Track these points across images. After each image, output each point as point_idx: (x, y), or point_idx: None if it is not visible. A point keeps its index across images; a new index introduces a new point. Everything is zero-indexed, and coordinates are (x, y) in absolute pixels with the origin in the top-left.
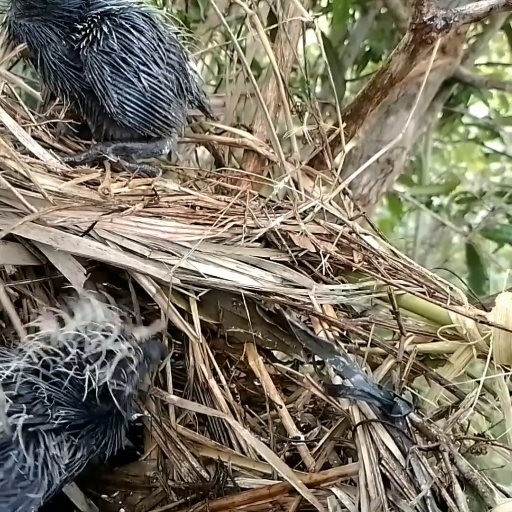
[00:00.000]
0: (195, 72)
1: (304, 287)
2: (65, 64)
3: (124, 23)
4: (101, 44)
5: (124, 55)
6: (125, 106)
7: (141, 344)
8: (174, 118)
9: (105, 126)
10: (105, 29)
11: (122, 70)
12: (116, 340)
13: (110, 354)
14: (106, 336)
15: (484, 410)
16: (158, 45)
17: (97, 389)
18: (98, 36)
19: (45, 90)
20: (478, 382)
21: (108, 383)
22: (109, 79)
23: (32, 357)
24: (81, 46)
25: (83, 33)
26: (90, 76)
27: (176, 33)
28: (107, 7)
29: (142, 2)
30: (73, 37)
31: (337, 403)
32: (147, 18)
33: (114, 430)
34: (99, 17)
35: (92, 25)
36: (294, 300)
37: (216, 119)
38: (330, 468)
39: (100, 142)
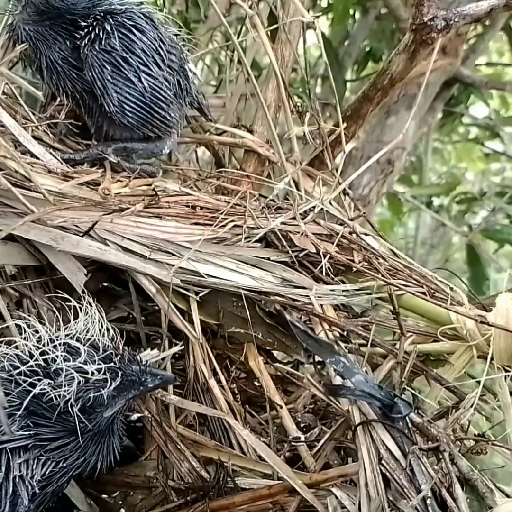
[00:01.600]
0: (194, 73)
1: (304, 287)
2: (68, 65)
3: (126, 22)
4: (103, 43)
5: (125, 55)
6: (125, 106)
7: (142, 368)
8: (173, 119)
9: (105, 127)
10: (108, 28)
11: (122, 69)
12: (83, 362)
13: (71, 375)
14: (72, 355)
15: (484, 411)
16: (160, 46)
17: (61, 405)
18: (101, 34)
19: (46, 90)
20: (479, 382)
21: (72, 402)
22: (109, 78)
23: (6, 367)
24: (83, 44)
25: (85, 30)
26: (90, 74)
27: (176, 35)
28: (112, 6)
29: (142, 4)
30: (77, 35)
31: (337, 403)
32: (148, 19)
33: (97, 447)
34: (102, 14)
35: (95, 23)
36: (294, 300)
37: (214, 120)
38: (330, 468)
39: (100, 142)
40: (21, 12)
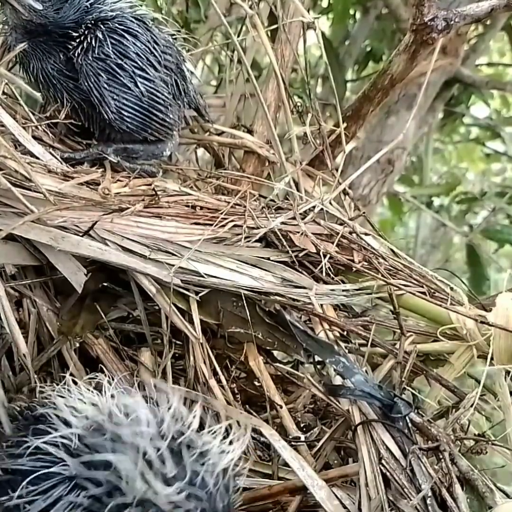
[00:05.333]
0: (192, 73)
1: (304, 287)
2: (64, 76)
3: (118, 28)
4: (96, 51)
5: (119, 61)
6: (123, 112)
7: None
8: (172, 121)
9: (107, 130)
10: (100, 35)
11: (118, 76)
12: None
13: None
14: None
15: (484, 410)
16: (154, 48)
17: None
18: (93, 43)
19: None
20: (479, 382)
21: None
22: (105, 86)
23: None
24: (76, 54)
25: (77, 40)
26: (86, 84)
27: (172, 35)
28: (102, 14)
29: (135, 6)
30: (69, 46)
31: (337, 403)
32: (140, 22)
33: None
34: (93, 22)
35: (86, 32)
36: (294, 300)
37: (211, 121)
38: (330, 468)
39: (101, 142)
40: (11, 34)
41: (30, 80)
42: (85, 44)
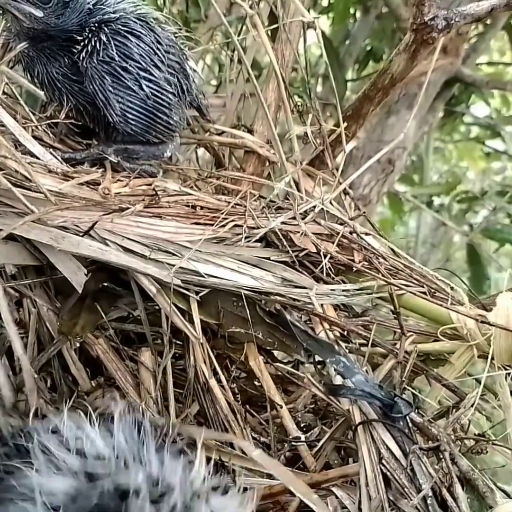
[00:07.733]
0: (195, 71)
1: (304, 287)
2: (69, 80)
3: (121, 29)
4: (100, 54)
5: (124, 64)
6: (127, 114)
7: None
8: (176, 122)
9: (111, 131)
10: (104, 38)
11: (123, 78)
12: None
13: None
14: None
15: (485, 410)
16: (157, 48)
17: None
18: (97, 46)
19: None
20: (479, 381)
21: None
22: (110, 88)
23: None
24: (81, 57)
25: (82, 44)
26: (91, 87)
27: (175, 34)
28: (105, 16)
29: (138, 5)
30: (74, 50)
31: (337, 403)
32: (143, 22)
33: None
34: (97, 25)
35: (90, 35)
36: (294, 300)
37: (212, 121)
38: (330, 468)
39: (101, 142)
40: (15, 40)
41: (35, 84)
42: (89, 47)
